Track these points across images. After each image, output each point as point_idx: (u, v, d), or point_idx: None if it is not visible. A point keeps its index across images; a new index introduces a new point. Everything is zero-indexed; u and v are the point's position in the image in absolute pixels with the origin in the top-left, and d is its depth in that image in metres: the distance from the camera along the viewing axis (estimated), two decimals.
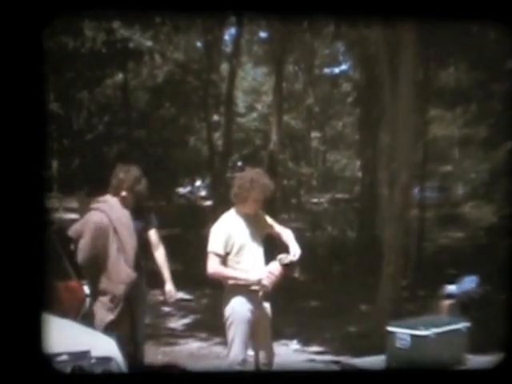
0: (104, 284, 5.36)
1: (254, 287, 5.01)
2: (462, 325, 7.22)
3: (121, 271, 5.33)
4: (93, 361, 3.63)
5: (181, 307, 11.25)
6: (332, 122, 28.23)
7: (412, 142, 10.82)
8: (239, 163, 24.89)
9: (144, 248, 5.62)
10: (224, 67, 20.52)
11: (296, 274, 13.70)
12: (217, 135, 20.55)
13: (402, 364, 6.64)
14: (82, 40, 15.49)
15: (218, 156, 18.47)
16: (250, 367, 5.10)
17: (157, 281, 5.62)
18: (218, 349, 7.87)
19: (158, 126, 19.78)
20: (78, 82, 17.41)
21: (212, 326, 8.20)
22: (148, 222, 5.68)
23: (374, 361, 7.07)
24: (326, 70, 26.02)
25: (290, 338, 9.03)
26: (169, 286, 5.60)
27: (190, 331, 9.97)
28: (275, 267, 5.02)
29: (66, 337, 3.73)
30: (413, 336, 6.85)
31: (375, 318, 9.36)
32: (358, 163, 22.70)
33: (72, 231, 5.49)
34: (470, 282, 9.25)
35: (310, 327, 9.89)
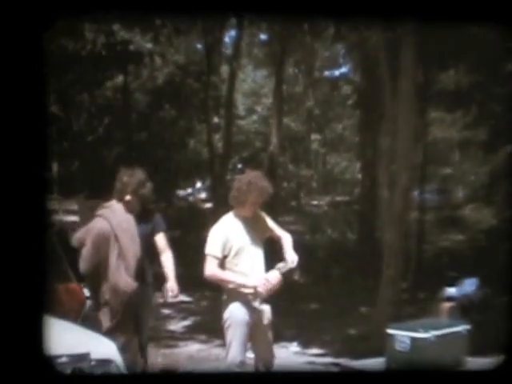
0: (105, 293, 5.29)
1: (249, 291, 5.00)
2: (462, 327, 7.21)
3: (120, 280, 5.24)
4: (93, 363, 3.63)
5: (181, 309, 11.25)
6: (332, 124, 28.27)
7: (412, 144, 10.82)
8: (239, 165, 24.92)
9: (151, 252, 5.53)
10: (224, 69, 20.55)
11: (296, 277, 13.71)
12: (217, 137, 20.56)
13: (402, 366, 6.63)
14: (82, 42, 15.54)
15: (218, 158, 18.47)
16: (250, 369, 5.10)
17: (159, 284, 5.57)
18: (218, 351, 7.86)
19: (158, 128, 19.79)
20: (78, 84, 17.45)
21: (212, 328, 8.19)
22: (155, 225, 5.59)
23: (374, 363, 7.07)
24: (326, 73, 26.09)
25: (290, 340, 9.02)
26: (171, 283, 5.45)
27: (189, 333, 9.96)
28: (274, 276, 4.99)
29: (66, 339, 3.73)
30: (413, 338, 6.84)
31: (375, 321, 9.35)
32: (358, 165, 22.70)
33: (75, 240, 5.43)
34: (470, 285, 9.24)
35: (310, 329, 9.88)
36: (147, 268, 5.52)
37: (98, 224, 5.35)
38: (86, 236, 5.34)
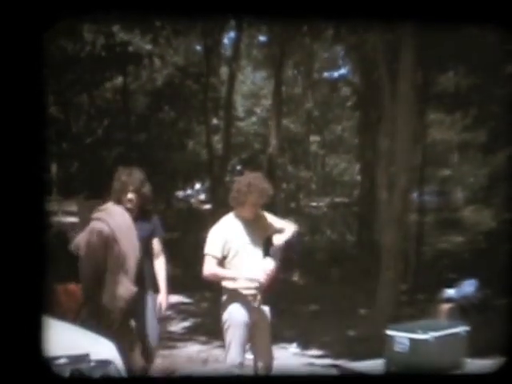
0: (104, 300, 5.19)
1: (251, 286, 4.99)
2: (461, 329, 7.20)
3: (119, 285, 5.16)
4: (92, 364, 3.62)
5: (180, 310, 11.24)
6: (331, 125, 28.28)
7: (411, 145, 10.83)
8: (238, 167, 24.92)
9: (150, 254, 5.49)
10: (223, 71, 20.56)
11: (295, 278, 13.71)
12: (216, 139, 20.58)
13: (401, 368, 6.63)
14: (81, 44, 15.54)
15: (217, 160, 18.48)
16: (249, 371, 5.09)
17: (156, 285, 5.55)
18: (218, 352, 7.85)
19: (157, 130, 19.78)
20: (77, 85, 17.45)
21: (211, 329, 8.18)
22: (154, 229, 5.54)
23: (373, 364, 7.05)
24: (326, 74, 26.10)
25: (289, 341, 9.00)
26: (162, 297, 5.45)
27: (189, 334, 9.94)
28: (269, 263, 5.00)
29: (65, 340, 3.72)
30: (412, 340, 6.83)
31: (374, 322, 9.35)
32: (357, 167, 22.73)
33: (74, 245, 5.34)
34: (469, 286, 9.24)
35: (309, 331, 9.87)
36: (146, 271, 5.46)
37: (95, 227, 5.25)
38: (84, 240, 5.26)
